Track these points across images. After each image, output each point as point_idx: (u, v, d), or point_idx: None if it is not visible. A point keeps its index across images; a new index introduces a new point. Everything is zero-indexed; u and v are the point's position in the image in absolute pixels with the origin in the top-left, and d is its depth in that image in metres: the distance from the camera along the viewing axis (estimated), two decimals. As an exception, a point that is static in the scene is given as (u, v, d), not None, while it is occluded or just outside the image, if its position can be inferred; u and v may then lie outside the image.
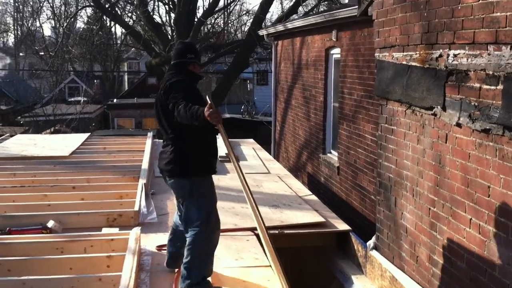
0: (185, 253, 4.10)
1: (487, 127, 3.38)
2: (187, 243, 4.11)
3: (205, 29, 26.01)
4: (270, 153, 11.46)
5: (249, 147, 10.09)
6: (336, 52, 9.18)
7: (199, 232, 4.07)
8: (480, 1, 3.40)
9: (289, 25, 11.50)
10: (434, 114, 4.05)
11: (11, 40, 58.99)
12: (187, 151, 4.14)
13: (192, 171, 4.14)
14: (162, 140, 4.51)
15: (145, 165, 7.76)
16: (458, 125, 3.73)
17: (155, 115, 4.34)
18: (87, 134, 11.19)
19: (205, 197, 4.18)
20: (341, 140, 8.69)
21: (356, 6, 6.77)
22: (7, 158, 8.56)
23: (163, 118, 4.20)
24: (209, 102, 3.81)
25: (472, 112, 3.54)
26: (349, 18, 7.70)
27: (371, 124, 7.39)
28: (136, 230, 4.95)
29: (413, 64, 4.35)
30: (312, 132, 10.42)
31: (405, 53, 4.53)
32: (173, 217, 4.63)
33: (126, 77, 50.55)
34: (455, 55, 3.73)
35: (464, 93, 3.64)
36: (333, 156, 9.40)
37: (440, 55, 3.93)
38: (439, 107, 3.96)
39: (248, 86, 36.75)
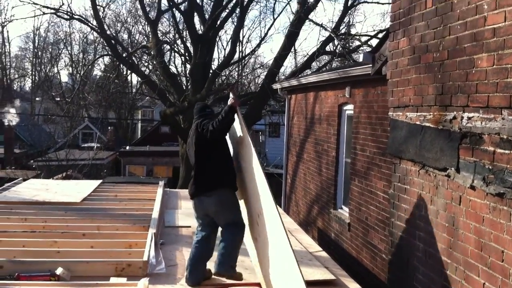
0: (224, 250, 5.21)
1: (502, 191, 3.37)
2: (225, 242, 5.21)
3: (220, 80, 26.46)
4: (280, 206, 11.40)
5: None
6: (349, 108, 9.27)
7: (237, 233, 5.29)
8: (495, 66, 3.46)
9: (303, 80, 11.68)
10: (448, 176, 4.05)
11: (28, 84, 60.31)
12: (225, 169, 5.36)
13: (232, 183, 5.38)
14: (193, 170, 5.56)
15: (155, 214, 7.74)
16: (472, 187, 3.72)
17: (191, 152, 5.51)
18: (99, 181, 11.23)
19: (238, 205, 5.43)
20: (353, 196, 8.65)
21: (370, 65, 6.90)
22: (19, 203, 8.58)
23: (199, 150, 5.35)
24: (231, 95, 5.32)
25: (486, 175, 3.54)
26: (363, 76, 7.81)
27: (383, 182, 7.37)
28: (144, 281, 4.90)
29: (427, 124, 4.39)
30: (324, 186, 10.39)
31: (419, 113, 4.58)
32: (195, 244, 5.45)
33: (139, 125, 51.17)
34: (469, 118, 3.77)
35: (478, 156, 3.65)
36: (344, 212, 9.33)
37: (454, 117, 3.96)
38: (453, 168, 3.97)
39: (260, 138, 36.99)
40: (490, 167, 3.50)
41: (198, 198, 5.40)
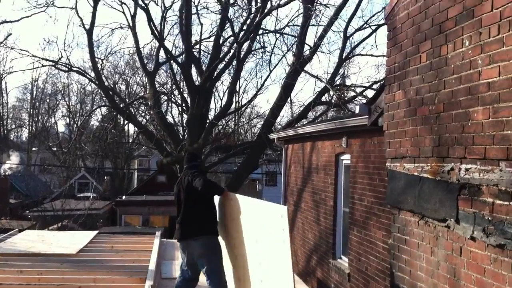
0: None
1: (502, 242, 3.39)
2: (214, 283, 5.90)
3: (216, 130, 26.67)
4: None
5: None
6: (346, 158, 9.34)
7: (220, 280, 5.94)
8: (491, 119, 3.54)
9: (300, 130, 11.80)
10: (448, 227, 4.07)
11: (24, 135, 60.51)
12: (210, 217, 6.13)
13: (216, 230, 6.13)
14: (178, 219, 6.20)
15: (152, 265, 7.67)
16: (473, 238, 3.74)
17: (178, 198, 6.20)
18: (95, 232, 11.16)
19: (220, 250, 6.12)
20: (352, 246, 8.60)
21: (367, 116, 7.00)
22: (14, 254, 8.50)
23: (189, 197, 6.03)
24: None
25: (486, 226, 3.56)
26: (359, 126, 7.92)
27: (382, 231, 7.36)
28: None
29: (425, 175, 4.44)
30: (322, 236, 10.34)
31: (416, 165, 4.63)
32: (179, 276, 6.29)
33: (136, 174, 51.11)
34: (466, 169, 3.82)
35: (477, 207, 3.68)
36: (344, 262, 9.25)
37: (452, 169, 4.02)
38: (452, 219, 3.99)
39: (257, 187, 36.95)
40: (489, 218, 3.53)
41: (185, 241, 6.10)
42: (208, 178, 6.26)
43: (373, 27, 19.44)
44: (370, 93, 18.84)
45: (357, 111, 8.00)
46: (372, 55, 25.70)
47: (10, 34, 65.92)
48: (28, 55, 22.96)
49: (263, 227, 5.40)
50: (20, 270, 7.45)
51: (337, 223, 9.72)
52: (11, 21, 37.05)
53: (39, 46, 78.90)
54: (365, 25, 19.68)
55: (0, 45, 29.27)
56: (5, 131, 54.38)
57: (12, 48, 27.68)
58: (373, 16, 28.22)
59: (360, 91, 19.83)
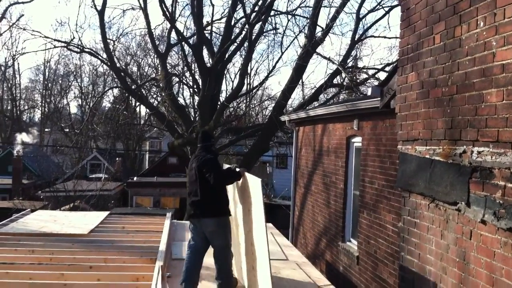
0: (218, 272, 6.16)
1: (513, 226, 3.35)
2: (221, 263, 6.14)
3: (227, 112, 26.65)
4: (288, 238, 11.31)
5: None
6: (357, 141, 9.28)
7: (229, 255, 6.25)
8: (504, 101, 3.48)
9: (311, 113, 11.74)
10: (458, 210, 4.03)
11: (37, 116, 60.91)
12: (222, 197, 6.26)
13: (227, 210, 6.28)
14: (189, 196, 6.33)
15: (162, 246, 7.71)
16: (483, 222, 3.70)
17: (191, 177, 6.30)
18: (106, 213, 11.23)
19: (230, 230, 6.34)
20: (361, 229, 8.59)
21: (379, 98, 6.93)
22: (26, 234, 8.58)
23: (203, 178, 6.06)
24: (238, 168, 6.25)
25: (497, 210, 3.52)
26: (371, 109, 7.85)
27: (392, 214, 7.33)
28: (152, 315, 4.85)
29: (437, 158, 4.39)
30: (332, 219, 10.33)
31: (428, 147, 4.58)
32: (188, 251, 6.32)
33: (147, 156, 51.36)
34: (479, 152, 3.76)
35: (488, 190, 3.64)
36: (353, 245, 9.25)
37: (464, 151, 3.96)
38: (463, 203, 3.95)
39: (268, 169, 36.97)
40: (501, 201, 3.48)
41: (197, 219, 6.21)
42: (221, 170, 6.19)
43: (386, 9, 19.21)
44: (382, 75, 18.68)
45: (369, 93, 7.92)
46: (385, 37, 25.54)
47: (23, 15, 66.16)
48: (41, 36, 22.99)
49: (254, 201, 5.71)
50: (32, 250, 7.52)
51: (347, 206, 9.70)
52: (23, 2, 37.07)
53: (51, 27, 79.44)
54: (378, 6, 19.46)
55: (12, 26, 29.38)
56: (18, 112, 54.79)
57: (24, 29, 27.82)
58: (387, -3, 27.87)
59: (373, 73, 19.66)
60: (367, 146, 8.52)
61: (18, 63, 72.92)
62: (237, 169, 6.25)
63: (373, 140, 8.27)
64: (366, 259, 8.32)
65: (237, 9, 21.04)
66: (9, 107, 55.25)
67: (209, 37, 22.36)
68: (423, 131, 4.70)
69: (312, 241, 11.73)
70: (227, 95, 24.27)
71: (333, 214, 10.26)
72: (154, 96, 30.32)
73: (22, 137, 36.83)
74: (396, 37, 21.71)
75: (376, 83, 17.75)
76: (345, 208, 9.72)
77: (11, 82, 54.29)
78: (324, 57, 19.31)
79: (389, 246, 7.40)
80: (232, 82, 37.39)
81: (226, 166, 6.83)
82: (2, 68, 51.81)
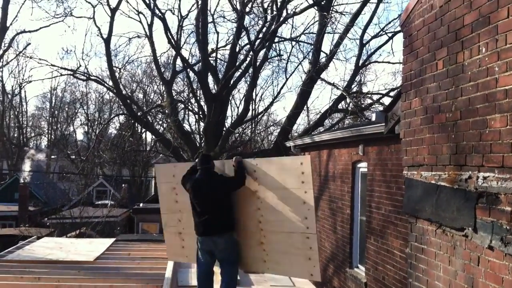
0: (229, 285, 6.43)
1: (521, 252, 3.33)
2: (229, 279, 6.41)
3: (233, 138, 26.72)
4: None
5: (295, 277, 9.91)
6: (363, 166, 9.28)
7: (236, 271, 6.61)
8: (508, 127, 3.49)
9: (316, 138, 11.77)
10: (466, 236, 4.01)
11: (44, 143, 61.21)
12: (231, 216, 6.45)
13: (235, 227, 6.51)
14: (199, 216, 6.42)
15: (168, 273, 7.70)
16: (490, 248, 3.68)
17: (200, 197, 6.40)
18: (112, 239, 11.23)
19: (238, 245, 6.60)
20: (369, 255, 8.52)
21: (383, 124, 6.96)
22: (32, 261, 8.59)
23: (215, 196, 6.35)
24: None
25: (504, 236, 3.51)
26: (376, 134, 7.87)
27: (399, 240, 7.29)
28: None
29: (442, 184, 4.39)
30: (339, 245, 10.27)
31: (433, 173, 4.58)
32: (199, 271, 6.58)
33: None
34: (484, 178, 3.77)
35: (495, 215, 3.63)
36: (360, 271, 9.17)
37: (470, 177, 3.97)
38: (470, 228, 3.94)
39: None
40: (507, 227, 3.47)
41: (209, 237, 6.39)
42: (239, 177, 6.47)
43: (390, 34, 19.42)
44: (387, 100, 18.74)
45: (373, 118, 7.95)
46: (388, 62, 25.69)
47: (29, 43, 67.05)
48: (47, 64, 23.34)
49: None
50: (38, 277, 7.52)
51: (354, 231, 9.65)
52: (30, 31, 37.66)
53: (57, 55, 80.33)
54: (382, 32, 19.68)
55: (19, 55, 29.76)
56: (25, 139, 55.09)
57: (31, 58, 28.16)
58: (390, 23, 28.23)
59: (377, 98, 19.76)
60: (372, 171, 8.52)
61: (25, 91, 73.74)
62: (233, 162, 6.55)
63: (379, 165, 8.26)
64: (374, 285, 8.24)
65: (241, 36, 21.33)
66: (15, 135, 55.61)
67: (214, 64, 22.61)
68: (428, 156, 4.71)
69: (320, 267, 11.62)
70: (233, 121, 24.40)
71: (340, 240, 10.20)
72: (160, 122, 30.53)
73: (31, 152, 36.92)
74: (399, 62, 21.85)
75: (380, 108, 17.82)
76: (352, 234, 9.67)
77: (18, 110, 54.74)
78: (329, 83, 19.46)
79: (397, 272, 7.34)
80: (237, 108, 37.60)
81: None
82: (9, 96, 52.33)
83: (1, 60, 25.89)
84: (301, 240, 6.16)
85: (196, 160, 6.95)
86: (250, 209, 6.47)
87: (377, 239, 8.17)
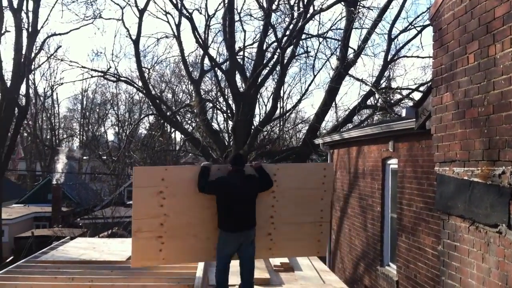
0: (250, 273, 7.02)
1: (559, 249, 3.24)
2: (252, 267, 7.03)
3: (261, 136, 26.73)
4: (325, 262, 11.18)
5: (303, 257, 9.90)
6: (393, 163, 9.17)
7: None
8: (542, 121, 3.40)
9: (345, 135, 11.68)
10: (499, 232, 3.92)
11: (76, 144, 62.30)
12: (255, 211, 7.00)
13: None
14: (233, 211, 6.79)
15: (199, 273, 7.71)
16: (527, 245, 3.59)
17: (237, 196, 6.78)
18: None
19: None
20: (400, 253, 8.42)
21: (414, 119, 6.86)
22: (66, 262, 8.72)
23: (250, 193, 6.90)
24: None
25: (541, 232, 3.42)
26: (406, 130, 7.77)
27: (431, 237, 7.18)
28: None
29: (475, 180, 4.30)
30: (369, 242, 10.17)
31: (466, 169, 4.49)
32: (223, 264, 6.98)
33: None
34: (519, 173, 3.67)
35: (531, 212, 3.54)
36: (392, 269, 9.07)
37: (503, 172, 3.87)
38: (504, 225, 3.85)
39: (303, 192, 36.63)
40: (544, 223, 3.38)
41: (242, 232, 6.81)
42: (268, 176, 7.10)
43: (418, 28, 19.10)
44: (417, 95, 18.49)
45: (403, 114, 7.83)
46: (418, 57, 25.26)
47: (60, 46, 68.12)
48: (78, 66, 23.73)
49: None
50: (71, 277, 7.62)
51: (384, 229, 9.55)
52: (60, 34, 38.31)
53: (87, 57, 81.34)
54: (410, 26, 19.37)
55: (50, 57, 30.35)
56: (57, 141, 56.17)
57: (62, 60, 28.72)
58: (418, 17, 27.75)
59: (407, 93, 19.48)
60: (403, 168, 8.41)
61: (57, 93, 75.13)
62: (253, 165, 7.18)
63: (410, 162, 8.15)
64: (406, 283, 8.14)
65: (268, 34, 21.30)
66: (48, 136, 56.74)
67: (241, 62, 22.61)
68: (460, 152, 4.62)
69: (350, 265, 11.56)
70: (261, 119, 24.39)
71: (371, 238, 10.11)
72: (189, 122, 30.67)
73: (64, 150, 37.51)
74: (429, 57, 21.51)
75: (410, 103, 17.58)
76: (382, 232, 9.57)
77: (50, 112, 55.85)
78: (357, 79, 19.27)
79: (429, 270, 7.23)
80: (265, 106, 37.57)
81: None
82: (42, 98, 53.42)
83: (33, 63, 26.35)
84: (314, 228, 7.36)
85: (206, 162, 7.43)
86: (263, 206, 7.11)
87: (409, 236, 8.06)
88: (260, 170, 7.05)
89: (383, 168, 9.64)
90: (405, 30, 19.72)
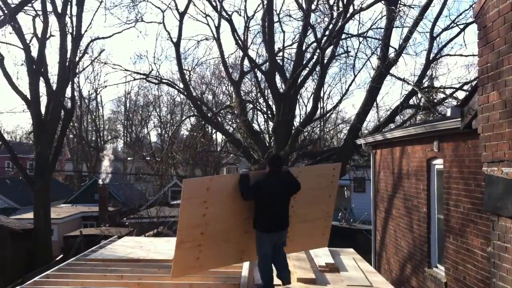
0: (285, 262, 7.27)
1: None
2: (284, 257, 7.31)
3: (302, 136, 26.70)
4: (370, 263, 11.11)
5: (349, 257, 9.86)
6: (438, 163, 9.06)
7: None
8: None
9: (388, 135, 11.58)
10: (553, 234, 3.86)
11: (120, 145, 63.65)
12: None
13: None
14: (271, 211, 7.06)
15: (245, 272, 7.80)
16: None
17: (277, 197, 7.03)
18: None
19: None
20: (448, 254, 8.31)
21: (459, 119, 6.77)
22: (115, 260, 8.95)
23: (287, 195, 7.18)
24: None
25: None
26: (452, 130, 7.67)
27: (480, 239, 7.07)
28: None
29: (526, 180, 4.24)
30: (416, 244, 10.07)
31: (516, 169, 4.43)
32: (268, 262, 7.19)
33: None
34: None
35: None
36: (440, 271, 8.95)
37: (556, 173, 3.81)
38: (558, 226, 3.79)
39: (345, 193, 36.46)
40: None
41: (276, 232, 7.11)
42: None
43: (461, 26, 18.71)
44: (460, 95, 18.12)
45: (448, 113, 7.73)
46: (461, 55, 24.59)
47: (103, 49, 69.78)
48: (121, 69, 24.27)
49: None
50: (120, 275, 7.82)
51: (431, 230, 9.43)
52: (103, 38, 39.22)
53: (130, 60, 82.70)
54: (453, 24, 18.97)
55: (94, 61, 31.10)
56: (102, 142, 57.52)
57: (105, 63, 29.34)
58: (461, 14, 27.08)
59: (450, 92, 19.10)
60: (449, 168, 8.30)
61: (101, 96, 76.87)
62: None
63: (456, 162, 8.04)
64: (455, 285, 8.02)
65: (308, 34, 21.26)
66: (93, 138, 58.17)
67: (281, 63, 22.66)
68: (509, 152, 4.56)
69: (397, 266, 11.45)
70: (301, 120, 24.37)
71: (417, 239, 10.00)
72: (230, 123, 30.93)
73: (109, 151, 38.33)
74: (473, 55, 21.08)
75: (454, 102, 17.27)
76: (429, 233, 9.45)
77: (94, 114, 57.31)
78: (399, 78, 19.03)
79: (479, 272, 7.12)
80: (306, 106, 37.52)
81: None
82: (86, 101, 54.81)
83: (77, 66, 27.09)
84: (321, 222, 8.10)
85: (244, 170, 7.86)
86: None
87: (456, 238, 7.95)
88: (287, 174, 7.29)
89: (428, 168, 9.53)
90: (447, 28, 19.34)
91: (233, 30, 21.28)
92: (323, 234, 8.22)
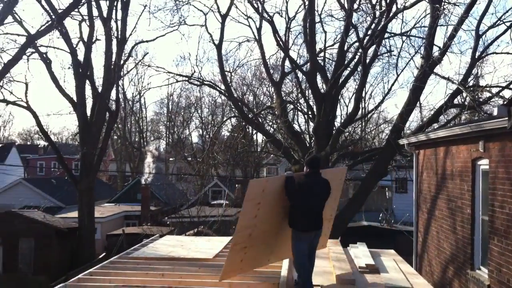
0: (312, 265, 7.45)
1: None
2: (314, 259, 7.58)
3: (343, 137, 26.47)
4: (411, 265, 10.92)
5: (389, 259, 9.73)
6: (483, 163, 8.83)
7: None
8: None
9: (432, 135, 11.35)
10: None
11: (162, 146, 64.64)
12: None
13: None
14: (309, 211, 7.23)
15: (284, 271, 7.80)
16: None
17: (316, 197, 7.21)
18: (229, 238, 11.56)
19: None
20: (492, 257, 8.09)
21: (506, 118, 6.60)
22: (156, 258, 9.09)
23: (325, 196, 7.37)
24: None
25: None
26: (498, 129, 7.47)
27: (526, 241, 6.85)
28: None
29: None
30: (459, 245, 9.84)
31: None
32: (305, 260, 7.28)
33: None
34: None
35: None
36: (483, 273, 8.72)
37: None
38: None
39: (387, 194, 35.94)
40: None
41: (312, 231, 7.28)
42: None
43: (508, 24, 18.12)
44: (507, 93, 17.59)
45: (495, 113, 7.53)
46: (508, 53, 23.83)
47: (147, 53, 71.02)
48: (164, 72, 24.62)
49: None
50: (162, 273, 7.93)
51: (475, 232, 9.20)
52: (147, 41, 39.91)
53: (172, 62, 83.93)
54: (499, 21, 18.41)
55: (138, 64, 31.69)
56: (145, 143, 58.58)
57: (149, 66, 29.84)
58: (507, 11, 26.20)
59: (497, 91, 18.56)
60: (495, 168, 8.07)
61: (144, 98, 78.29)
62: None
63: (502, 162, 7.82)
64: (499, 288, 7.81)
65: (349, 34, 21.06)
66: (136, 139, 59.31)
67: (322, 64, 22.51)
68: (559, 151, 4.41)
69: (438, 268, 11.22)
70: (343, 120, 24.15)
71: (460, 241, 9.77)
72: (270, 123, 30.95)
73: (152, 151, 38.98)
74: (521, 52, 20.39)
75: (500, 101, 16.77)
76: (473, 234, 9.22)
77: (138, 115, 58.42)
78: (443, 77, 18.59)
79: (525, 276, 6.91)
80: (347, 106, 37.18)
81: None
82: (130, 103, 55.94)
83: (122, 69, 27.68)
84: (326, 224, 8.22)
85: (289, 171, 7.94)
86: None
87: (501, 239, 7.73)
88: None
89: (473, 169, 9.30)
90: (493, 25, 18.78)
91: (275, 31, 21.29)
92: (325, 235, 8.49)
